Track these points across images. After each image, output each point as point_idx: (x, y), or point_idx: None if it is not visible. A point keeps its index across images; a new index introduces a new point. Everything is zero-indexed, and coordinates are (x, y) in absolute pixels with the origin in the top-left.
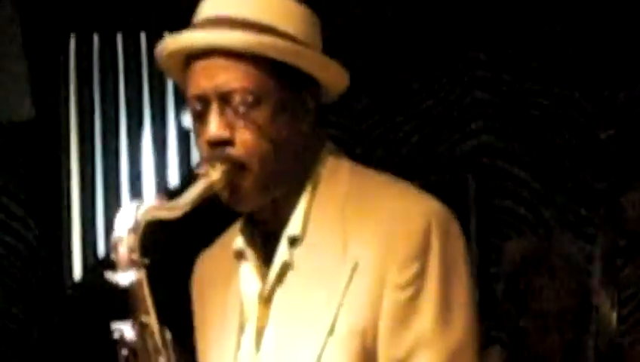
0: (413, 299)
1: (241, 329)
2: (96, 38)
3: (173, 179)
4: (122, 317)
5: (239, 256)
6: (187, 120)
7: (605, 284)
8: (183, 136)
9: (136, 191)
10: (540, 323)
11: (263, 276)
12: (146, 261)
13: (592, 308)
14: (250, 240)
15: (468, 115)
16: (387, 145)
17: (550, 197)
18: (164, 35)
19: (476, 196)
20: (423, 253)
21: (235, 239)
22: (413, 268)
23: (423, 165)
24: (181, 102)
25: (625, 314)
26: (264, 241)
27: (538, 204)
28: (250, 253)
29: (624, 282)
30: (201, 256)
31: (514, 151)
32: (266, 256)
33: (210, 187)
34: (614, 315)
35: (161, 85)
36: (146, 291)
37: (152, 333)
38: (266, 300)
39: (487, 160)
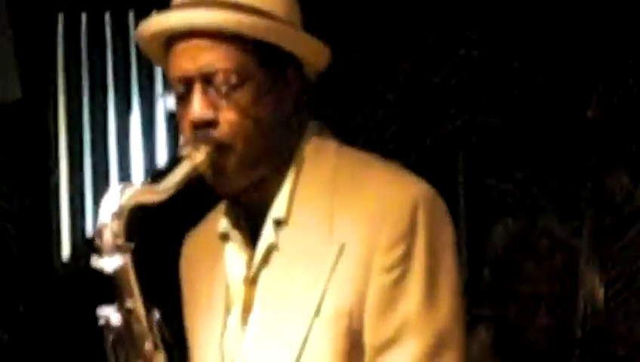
0: (400, 281)
1: (227, 310)
2: (84, 17)
3: (162, 159)
4: (111, 295)
5: (224, 237)
6: (170, 102)
7: (592, 263)
8: (172, 116)
9: (124, 171)
10: (527, 304)
11: (249, 258)
12: (132, 245)
13: (579, 288)
14: (235, 222)
15: (456, 93)
16: (376, 123)
17: (539, 177)
18: (152, 13)
19: (465, 175)
20: (409, 235)
21: (220, 221)
22: (400, 250)
23: (411, 144)
24: (169, 83)
25: (612, 292)
26: (249, 223)
27: (527, 183)
28: (235, 234)
29: (611, 260)
30: (187, 238)
31: (503, 129)
32: (251, 238)
33: (194, 169)
34: (601, 293)
35: (149, 64)
36: (132, 276)
37: (138, 318)
38: (252, 282)
39: (476, 139)
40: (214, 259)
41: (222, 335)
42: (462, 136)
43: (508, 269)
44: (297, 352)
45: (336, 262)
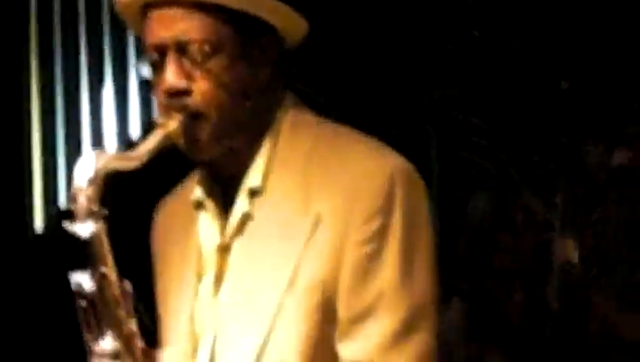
0: (375, 256)
1: (199, 278)
2: None
3: (135, 128)
4: (84, 267)
5: (198, 206)
6: (145, 70)
7: (567, 235)
8: (145, 86)
9: (97, 142)
10: (502, 278)
11: (222, 227)
12: (106, 211)
13: (554, 261)
14: (210, 191)
15: (429, 66)
16: (349, 96)
17: (512, 149)
18: None
19: (438, 148)
20: (386, 210)
21: (194, 189)
22: (376, 224)
23: (384, 116)
24: (143, 52)
25: (587, 264)
26: (224, 192)
27: (500, 155)
28: (209, 203)
29: (586, 233)
30: (159, 206)
31: (476, 102)
32: (225, 207)
33: (167, 137)
34: (577, 266)
35: (122, 35)
36: (106, 242)
37: (111, 284)
38: (225, 251)
39: (450, 112)
40: (187, 226)
41: (193, 303)
42: (436, 109)
43: (483, 242)
44: (270, 323)
45: (311, 234)
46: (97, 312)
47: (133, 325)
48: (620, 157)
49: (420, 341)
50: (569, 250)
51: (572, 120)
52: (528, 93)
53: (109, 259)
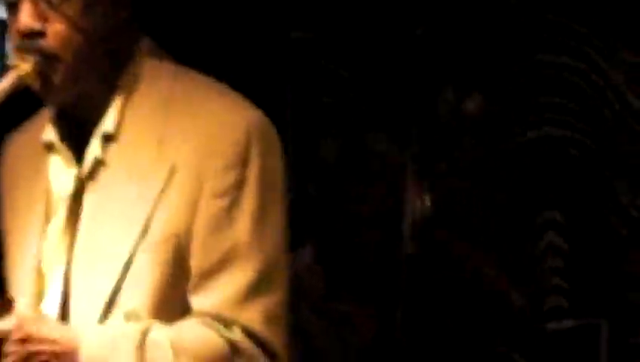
0: (230, 208)
1: (47, 220)
2: None
3: None
4: None
5: (49, 147)
6: (1, 11)
7: (420, 182)
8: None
9: None
10: (355, 222)
11: (74, 171)
12: None
13: (406, 207)
14: (62, 133)
15: (282, 12)
16: (204, 49)
17: (366, 94)
18: None
19: (293, 91)
20: (241, 163)
21: (45, 129)
22: (231, 177)
23: (239, 63)
24: None
25: (440, 211)
26: (77, 136)
27: (355, 100)
28: (61, 146)
29: (438, 179)
30: (7, 142)
31: (332, 48)
32: (77, 151)
33: (20, 79)
34: (428, 212)
35: None
36: None
37: None
38: (77, 195)
39: (306, 56)
40: (36, 165)
41: (40, 245)
42: (291, 53)
43: (335, 187)
44: (121, 272)
45: (165, 184)
46: None
47: None
48: (473, 104)
49: (272, 294)
50: (422, 196)
51: (426, 66)
52: (383, 39)
53: None
